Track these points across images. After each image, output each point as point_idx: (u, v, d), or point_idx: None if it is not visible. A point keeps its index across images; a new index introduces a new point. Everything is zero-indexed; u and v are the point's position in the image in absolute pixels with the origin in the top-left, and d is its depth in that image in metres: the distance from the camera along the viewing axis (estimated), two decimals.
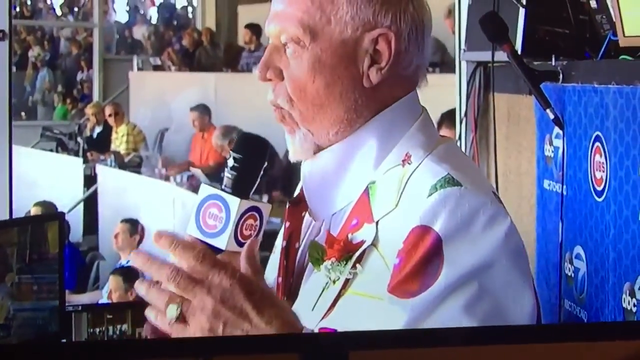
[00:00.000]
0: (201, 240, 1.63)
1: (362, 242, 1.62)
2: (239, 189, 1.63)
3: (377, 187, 1.65)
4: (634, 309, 2.34)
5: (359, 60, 1.66)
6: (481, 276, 1.55)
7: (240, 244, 1.62)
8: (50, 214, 2.40)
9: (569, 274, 2.71)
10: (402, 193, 1.62)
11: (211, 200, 1.63)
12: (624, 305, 2.38)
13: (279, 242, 1.83)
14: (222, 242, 1.62)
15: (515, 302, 1.58)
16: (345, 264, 1.62)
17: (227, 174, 1.63)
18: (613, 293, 2.45)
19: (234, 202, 1.61)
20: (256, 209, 1.64)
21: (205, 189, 1.64)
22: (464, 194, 1.58)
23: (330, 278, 1.63)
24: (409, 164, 1.65)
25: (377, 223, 1.62)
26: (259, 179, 1.65)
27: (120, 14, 18.49)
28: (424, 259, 1.55)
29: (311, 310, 1.64)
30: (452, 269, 1.55)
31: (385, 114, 1.68)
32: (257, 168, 1.65)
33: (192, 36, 13.11)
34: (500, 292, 1.56)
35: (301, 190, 1.76)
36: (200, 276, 1.50)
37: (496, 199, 1.63)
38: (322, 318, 1.62)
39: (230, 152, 1.64)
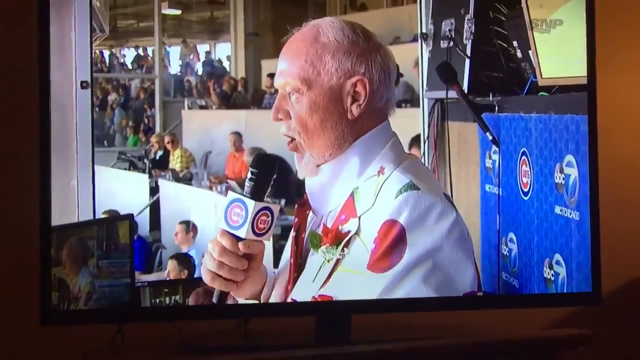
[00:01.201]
0: (227, 231, 1.66)
1: (349, 232, 1.63)
2: (256, 194, 1.67)
3: (360, 191, 1.66)
4: (552, 278, 2.34)
5: (344, 100, 1.67)
6: (434, 255, 1.56)
7: (257, 234, 1.67)
8: (122, 215, 2.40)
9: (505, 254, 2.71)
10: (377, 196, 1.63)
11: (235, 202, 1.69)
12: (545, 275, 2.39)
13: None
14: (242, 232, 1.68)
15: (460, 273, 1.59)
16: (337, 247, 1.62)
17: (247, 184, 1.66)
18: (537, 266, 2.45)
19: (250, 203, 1.67)
20: (268, 208, 1.69)
21: (231, 195, 1.70)
22: (421, 196, 1.59)
23: (325, 258, 1.64)
24: (382, 174, 1.66)
25: (359, 218, 1.63)
26: (270, 187, 1.70)
27: (174, 67, 18.53)
28: (392, 244, 1.57)
29: (312, 282, 1.65)
30: (413, 250, 1.55)
31: (365, 139, 1.70)
32: (269, 179, 1.70)
33: (230, 83, 13.10)
34: (448, 266, 1.57)
35: (305, 195, 1.77)
36: None
37: (445, 199, 1.63)
38: (320, 287, 1.63)
39: (249, 167, 1.67)
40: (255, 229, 1.67)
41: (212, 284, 1.69)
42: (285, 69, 1.70)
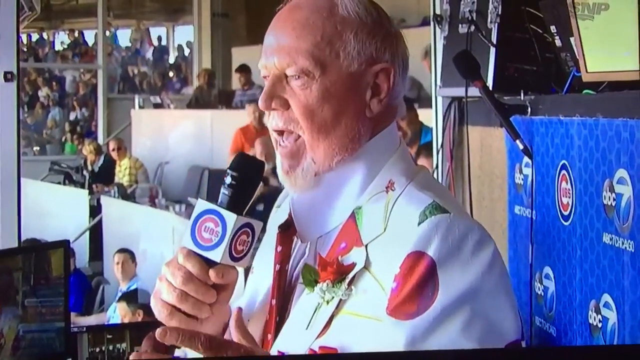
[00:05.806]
0: (195, 253, 1.59)
1: (353, 265, 1.60)
2: (235, 206, 1.58)
3: (363, 212, 1.64)
4: (600, 325, 2.34)
5: (362, 92, 1.66)
6: (472, 299, 1.54)
7: (234, 259, 1.58)
8: (55, 241, 2.38)
9: (539, 293, 2.71)
10: (388, 218, 1.61)
11: (208, 214, 1.58)
12: (590, 321, 2.38)
13: (256, 264, 1.81)
14: (217, 255, 1.57)
15: (503, 321, 1.56)
16: (340, 285, 1.60)
17: (224, 191, 1.59)
18: (580, 310, 2.44)
19: (231, 217, 1.56)
20: (249, 225, 1.59)
21: (202, 204, 1.59)
22: (453, 221, 1.56)
23: (323, 299, 1.61)
24: (392, 190, 1.64)
25: (366, 247, 1.61)
26: (253, 198, 1.62)
27: (122, 56, 18.51)
28: (420, 283, 1.54)
29: (305, 330, 1.62)
30: (446, 292, 1.53)
31: (372, 142, 1.67)
32: (253, 187, 1.61)
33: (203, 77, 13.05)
34: (489, 313, 1.55)
35: (289, 214, 1.74)
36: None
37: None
38: (318, 337, 1.60)
39: (228, 170, 1.60)
40: (233, 252, 1.58)
41: (169, 321, 1.63)
42: (288, 45, 1.64)
